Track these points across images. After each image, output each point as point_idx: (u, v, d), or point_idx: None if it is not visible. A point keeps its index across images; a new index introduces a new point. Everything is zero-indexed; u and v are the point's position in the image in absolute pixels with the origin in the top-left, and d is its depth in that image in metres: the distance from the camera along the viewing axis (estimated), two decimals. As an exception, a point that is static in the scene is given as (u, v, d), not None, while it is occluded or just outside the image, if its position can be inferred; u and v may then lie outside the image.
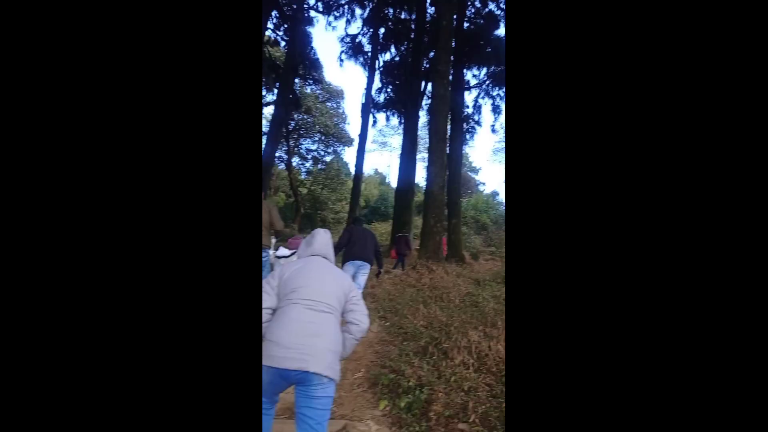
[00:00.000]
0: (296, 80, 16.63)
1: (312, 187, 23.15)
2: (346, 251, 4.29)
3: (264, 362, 1.48)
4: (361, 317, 1.71)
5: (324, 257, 1.88)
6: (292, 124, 19.74)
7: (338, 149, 22.94)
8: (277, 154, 18.32)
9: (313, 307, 1.61)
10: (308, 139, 21.90)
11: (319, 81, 19.35)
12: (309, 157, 22.69)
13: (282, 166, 21.66)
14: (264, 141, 13.31)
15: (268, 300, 1.67)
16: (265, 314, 1.65)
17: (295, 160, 22.17)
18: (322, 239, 1.93)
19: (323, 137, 21.65)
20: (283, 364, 1.46)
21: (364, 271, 4.33)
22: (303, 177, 23.35)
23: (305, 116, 20.26)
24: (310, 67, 16.80)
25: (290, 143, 20.53)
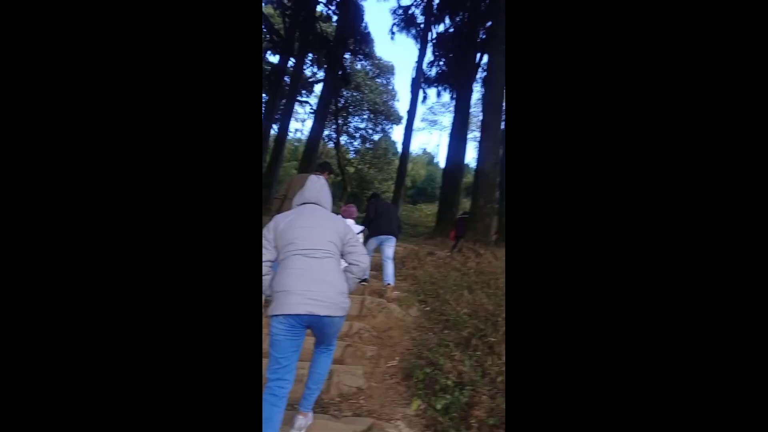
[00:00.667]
0: (346, 56, 16.30)
1: (359, 166, 23.03)
2: (372, 225, 4.24)
3: (278, 312, 1.59)
4: (361, 257, 1.79)
5: (316, 204, 1.89)
6: (341, 102, 19.54)
7: (387, 127, 22.46)
8: (325, 133, 18.28)
9: (313, 255, 1.69)
10: (357, 117, 21.64)
11: (369, 56, 18.88)
12: (357, 135, 22.47)
13: (330, 144, 21.68)
14: (312, 119, 13.21)
15: (266, 254, 1.74)
16: (265, 267, 1.72)
17: (344, 139, 22.05)
18: (314, 186, 1.92)
19: (372, 115, 21.29)
20: (296, 310, 1.57)
21: (390, 243, 4.32)
22: (351, 156, 23.26)
23: (354, 93, 19.98)
24: (361, 41, 16.36)
25: (339, 121, 20.40)
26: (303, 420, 1.79)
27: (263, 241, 1.76)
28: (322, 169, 3.80)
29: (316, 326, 1.67)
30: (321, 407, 2.12)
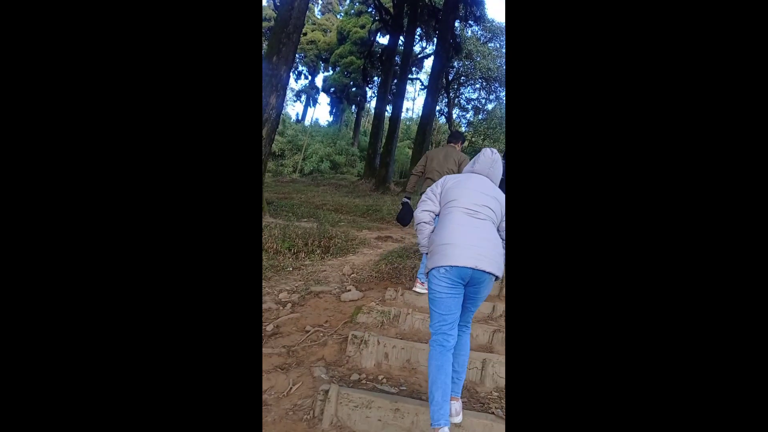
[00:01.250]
0: (456, 23, 15.48)
1: (473, 139, 22.09)
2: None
3: (443, 263, 1.59)
4: None
5: (486, 176, 1.89)
6: (452, 74, 18.79)
7: (500, 95, 20.94)
8: (437, 108, 17.88)
9: (473, 214, 1.71)
10: (468, 87, 20.63)
11: (480, 20, 17.64)
12: (469, 107, 21.48)
13: (442, 119, 21.19)
14: (424, 95, 12.98)
15: (431, 205, 1.83)
16: (427, 215, 1.82)
17: (455, 112, 21.30)
18: (486, 159, 1.92)
19: (485, 83, 20.04)
20: (464, 263, 1.57)
21: None
22: (464, 129, 22.42)
23: (466, 62, 19.01)
24: (471, 4, 15.33)
25: (450, 94, 19.71)
26: (458, 404, 1.77)
27: (430, 194, 1.85)
28: (455, 139, 3.58)
29: (476, 283, 1.63)
30: (479, 402, 1.99)
